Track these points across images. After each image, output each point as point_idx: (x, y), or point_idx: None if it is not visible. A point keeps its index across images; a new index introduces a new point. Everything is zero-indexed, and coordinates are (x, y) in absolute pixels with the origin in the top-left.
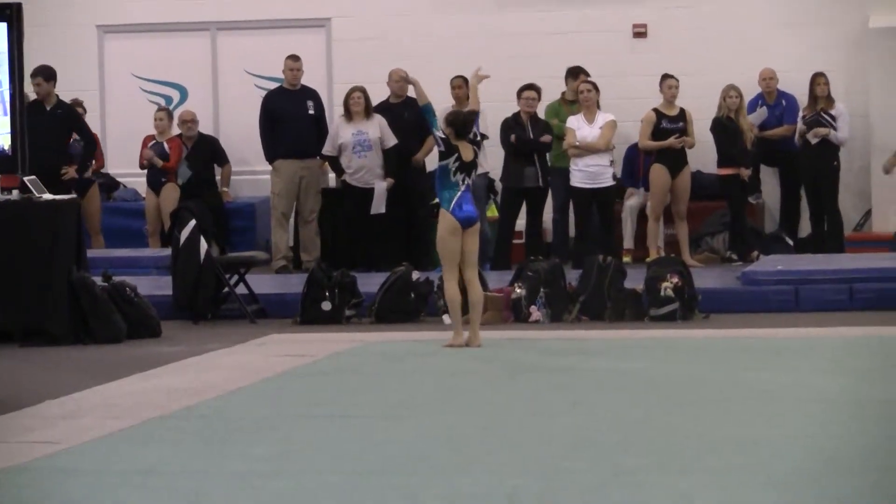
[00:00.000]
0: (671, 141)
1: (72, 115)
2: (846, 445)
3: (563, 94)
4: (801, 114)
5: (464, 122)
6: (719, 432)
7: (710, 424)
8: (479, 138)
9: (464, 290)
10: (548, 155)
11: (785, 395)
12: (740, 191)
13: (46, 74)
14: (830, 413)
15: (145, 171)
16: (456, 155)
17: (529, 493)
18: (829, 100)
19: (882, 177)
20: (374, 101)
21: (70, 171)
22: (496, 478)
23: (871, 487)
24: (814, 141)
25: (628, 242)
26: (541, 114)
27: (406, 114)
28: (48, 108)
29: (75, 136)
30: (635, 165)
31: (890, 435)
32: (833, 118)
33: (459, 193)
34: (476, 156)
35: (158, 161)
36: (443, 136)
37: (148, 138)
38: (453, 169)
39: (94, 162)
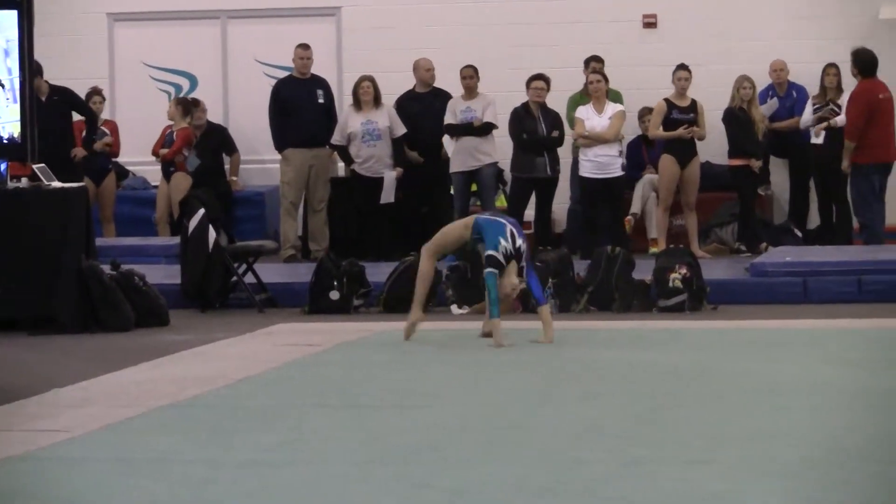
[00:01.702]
0: (681, 132)
1: (67, 97)
2: (853, 436)
3: (586, 84)
4: (811, 103)
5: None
6: (727, 423)
7: (718, 416)
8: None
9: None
10: (570, 146)
11: (793, 386)
12: (750, 182)
13: None
14: (837, 404)
15: (157, 159)
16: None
17: (538, 483)
18: (839, 90)
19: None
20: (387, 91)
21: (78, 152)
22: (505, 468)
23: (877, 477)
24: (817, 139)
25: (653, 232)
26: (562, 104)
27: (437, 104)
28: (43, 100)
29: (103, 127)
30: (639, 156)
31: (894, 426)
32: (841, 108)
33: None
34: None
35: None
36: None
37: (166, 128)
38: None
39: (110, 147)
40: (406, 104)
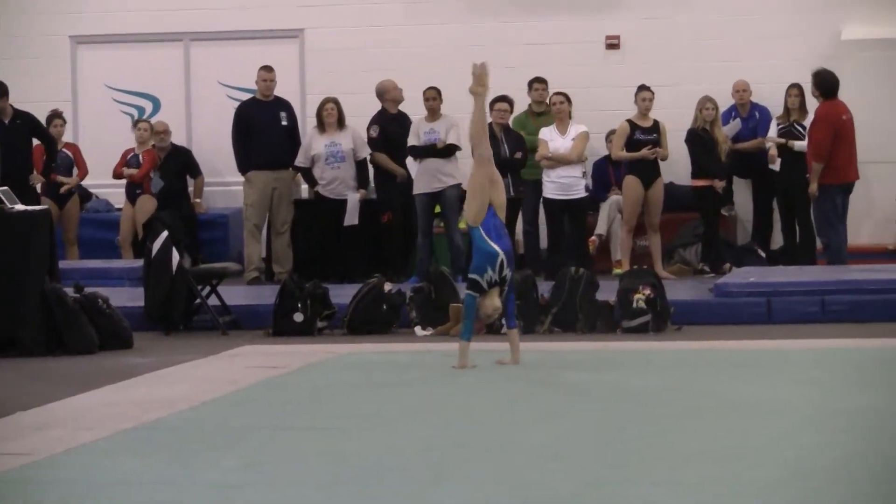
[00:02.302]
0: (644, 152)
1: (30, 121)
2: (818, 457)
3: (530, 105)
4: (775, 123)
5: None
6: (691, 444)
7: (683, 436)
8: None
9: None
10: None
11: (757, 407)
12: (714, 203)
13: None
14: (801, 425)
15: (123, 181)
16: None
17: (503, 501)
18: (802, 111)
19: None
20: (350, 113)
21: (35, 178)
22: (469, 489)
23: (843, 499)
24: (774, 166)
25: (618, 253)
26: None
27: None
28: (6, 122)
29: (64, 150)
30: (606, 176)
31: (859, 446)
32: (804, 129)
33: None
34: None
35: (133, 172)
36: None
37: (128, 151)
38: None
39: (78, 172)
40: (388, 126)
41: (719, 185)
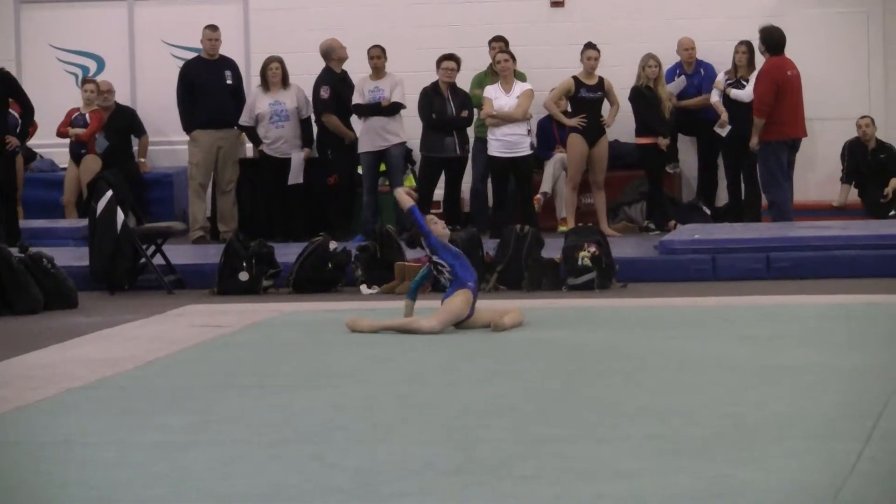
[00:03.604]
0: (575, 121)
1: (6, 81)
2: (761, 413)
3: (491, 64)
4: (722, 76)
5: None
6: (636, 401)
7: (627, 393)
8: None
9: None
10: (472, 126)
11: (701, 363)
12: (658, 160)
13: None
14: (745, 381)
15: (67, 140)
16: None
17: (447, 462)
18: (750, 67)
19: (800, 149)
20: (295, 72)
21: (12, 141)
22: (414, 448)
23: (785, 455)
24: (722, 131)
25: (562, 211)
26: (468, 83)
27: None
28: None
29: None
30: (550, 135)
31: (801, 402)
32: (749, 83)
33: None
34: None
35: (80, 131)
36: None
37: (73, 110)
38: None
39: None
40: (337, 85)
41: (663, 142)
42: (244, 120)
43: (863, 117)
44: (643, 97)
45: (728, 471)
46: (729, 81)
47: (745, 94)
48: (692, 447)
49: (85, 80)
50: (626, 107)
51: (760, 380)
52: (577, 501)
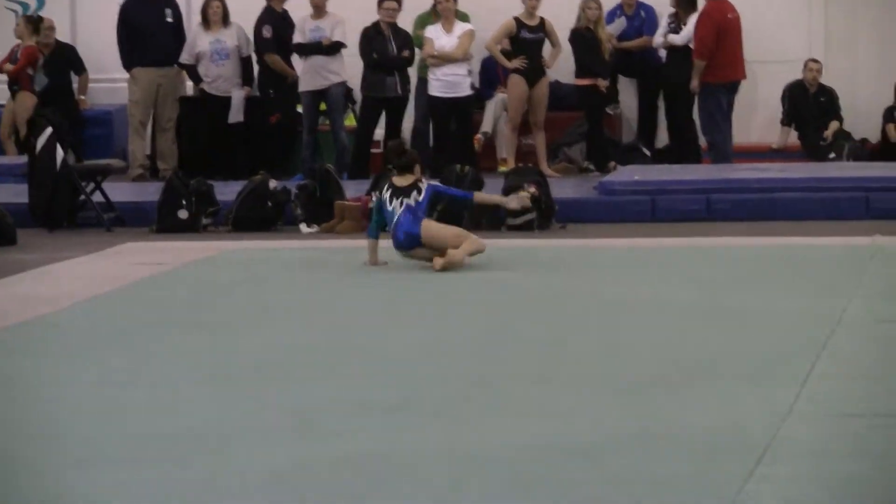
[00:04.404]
0: (515, 62)
1: None
2: (699, 354)
3: (433, 5)
4: (666, 21)
5: (399, 155)
6: (575, 342)
7: (567, 334)
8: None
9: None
10: (415, 66)
11: (641, 305)
12: (598, 101)
13: None
14: (683, 323)
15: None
16: (387, 184)
17: (387, 402)
18: (688, 7)
19: (739, 91)
20: (235, 10)
21: None
22: (352, 388)
23: (721, 394)
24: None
25: (503, 151)
26: (410, 24)
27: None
28: None
29: None
30: (493, 75)
31: (740, 344)
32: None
33: (397, 218)
34: (415, 182)
35: (10, 67)
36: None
37: (15, 46)
38: (387, 198)
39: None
40: (278, 24)
41: (603, 83)
42: (184, 58)
43: (814, 61)
44: (583, 38)
45: (664, 411)
46: (671, 24)
47: (681, 38)
48: (628, 388)
49: (21, 16)
50: (566, 48)
51: (699, 322)
52: (512, 440)
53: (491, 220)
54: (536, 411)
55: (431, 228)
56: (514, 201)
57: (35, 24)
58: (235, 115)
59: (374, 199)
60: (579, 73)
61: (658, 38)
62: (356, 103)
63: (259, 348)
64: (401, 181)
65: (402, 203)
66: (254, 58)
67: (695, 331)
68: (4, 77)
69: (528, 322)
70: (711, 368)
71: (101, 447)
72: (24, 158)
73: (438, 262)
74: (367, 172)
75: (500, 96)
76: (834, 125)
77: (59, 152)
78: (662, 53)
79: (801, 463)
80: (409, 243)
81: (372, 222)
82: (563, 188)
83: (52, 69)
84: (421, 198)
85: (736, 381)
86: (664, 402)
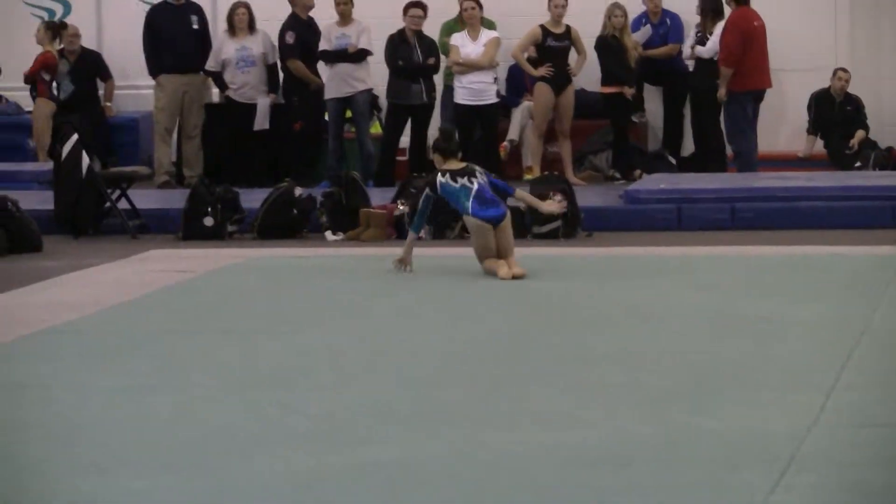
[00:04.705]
0: (542, 71)
1: None
2: (721, 363)
3: (460, 12)
4: (694, 31)
5: (448, 141)
6: (597, 350)
7: (589, 342)
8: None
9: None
10: (443, 74)
11: (664, 313)
12: (623, 109)
13: None
14: (707, 331)
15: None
16: (438, 174)
17: (407, 408)
18: (714, 16)
19: (765, 100)
20: (261, 16)
21: None
22: (374, 394)
23: (746, 403)
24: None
25: (528, 159)
26: (436, 31)
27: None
28: None
29: None
30: (519, 82)
31: (764, 353)
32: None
33: (473, 193)
34: (467, 165)
35: None
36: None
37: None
38: (448, 181)
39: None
40: (303, 32)
41: (629, 91)
42: (210, 65)
43: (843, 70)
44: (609, 46)
45: (687, 420)
46: (698, 33)
47: (707, 50)
48: (652, 396)
49: (43, 23)
50: (592, 56)
51: (723, 330)
52: (535, 448)
53: (517, 228)
54: (557, 419)
55: (508, 225)
56: (552, 205)
57: (55, 30)
58: (261, 122)
59: (399, 206)
60: (605, 80)
61: (686, 50)
62: (382, 111)
63: (282, 355)
64: (454, 164)
65: (469, 180)
66: (279, 65)
67: (720, 339)
68: (24, 84)
69: (550, 329)
70: (736, 377)
71: (121, 453)
72: (49, 165)
73: (506, 271)
74: (392, 180)
75: (526, 104)
76: (860, 134)
77: (85, 159)
78: (689, 62)
79: (826, 473)
80: (498, 219)
81: (419, 215)
82: (589, 196)
83: (78, 76)
84: (485, 180)
85: (761, 390)
86: (688, 411)
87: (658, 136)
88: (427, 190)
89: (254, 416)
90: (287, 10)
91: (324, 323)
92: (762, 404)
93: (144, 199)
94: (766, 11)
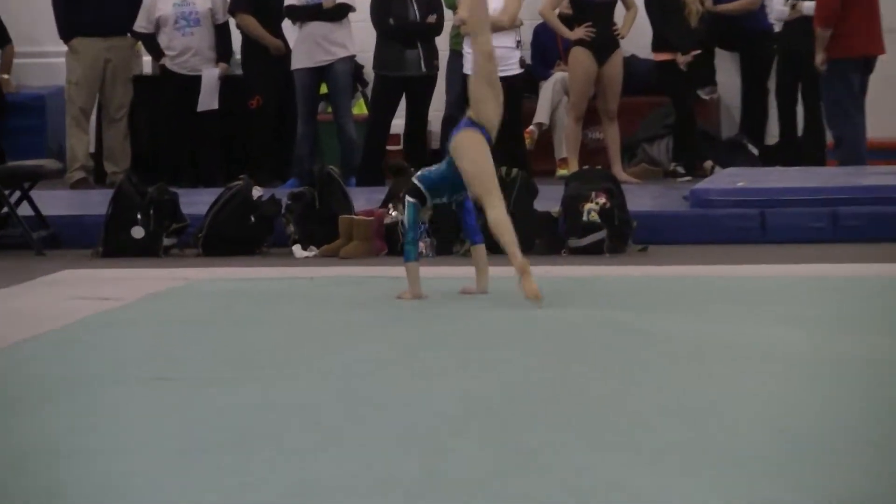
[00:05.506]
0: (580, 31)
1: None
2: (816, 419)
3: None
4: None
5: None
6: (655, 400)
7: (644, 390)
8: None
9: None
10: (447, 37)
11: (743, 352)
12: (684, 83)
13: None
14: (800, 377)
15: None
16: None
17: (407, 478)
18: None
19: (877, 71)
20: None
21: None
22: (364, 459)
23: (840, 469)
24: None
25: (563, 150)
26: None
27: None
28: None
29: None
30: (550, 48)
31: (863, 404)
32: None
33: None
34: None
35: None
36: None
37: None
38: (424, 170)
39: None
40: None
41: (683, 59)
42: (141, 25)
43: None
44: (660, 1)
45: (768, 493)
46: None
47: (808, 5)
48: (722, 460)
49: None
50: (643, 12)
51: (813, 375)
52: None
53: (547, 241)
54: (602, 492)
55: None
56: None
57: None
58: (207, 100)
59: (391, 212)
60: (656, 45)
61: (778, 7)
62: (368, 85)
63: (239, 409)
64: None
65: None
66: (232, 24)
67: (812, 387)
68: None
69: (590, 374)
70: (828, 434)
71: None
72: None
73: (532, 288)
74: (381, 177)
75: (558, 76)
76: None
77: None
78: (777, 23)
79: None
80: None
81: (409, 232)
82: (643, 198)
83: None
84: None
85: (860, 452)
86: (767, 479)
87: (735, 119)
88: (407, 196)
89: (208, 489)
90: None
91: (293, 365)
92: (862, 469)
93: (53, 202)
94: None
